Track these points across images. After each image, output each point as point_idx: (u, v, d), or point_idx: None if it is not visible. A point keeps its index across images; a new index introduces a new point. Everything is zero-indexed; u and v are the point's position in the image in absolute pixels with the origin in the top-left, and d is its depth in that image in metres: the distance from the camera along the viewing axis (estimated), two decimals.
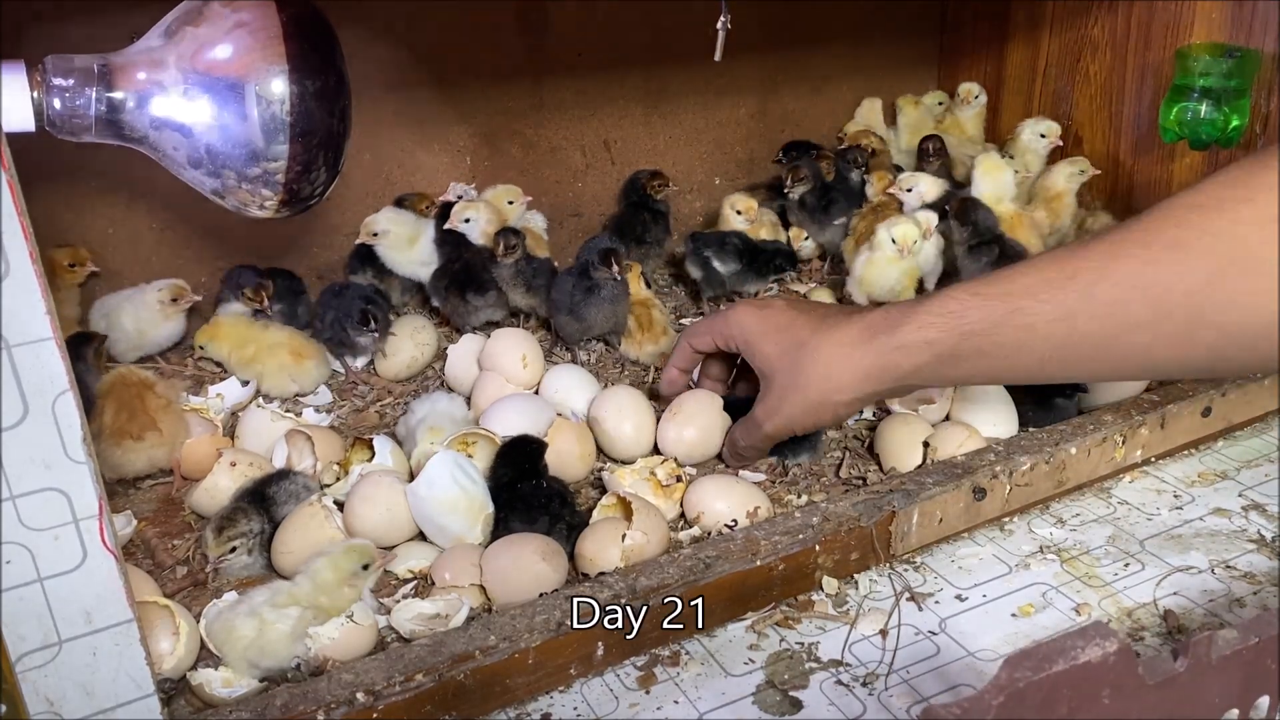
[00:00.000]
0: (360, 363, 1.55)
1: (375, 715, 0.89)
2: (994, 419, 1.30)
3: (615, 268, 1.47)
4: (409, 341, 1.55)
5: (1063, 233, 1.73)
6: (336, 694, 0.88)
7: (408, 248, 1.62)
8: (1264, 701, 0.74)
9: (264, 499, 1.16)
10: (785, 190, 1.78)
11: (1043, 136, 1.79)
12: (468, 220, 1.60)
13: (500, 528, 1.15)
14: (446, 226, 1.62)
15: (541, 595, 1.02)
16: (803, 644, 1.02)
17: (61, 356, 0.76)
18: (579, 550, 1.10)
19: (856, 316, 1.08)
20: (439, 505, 1.15)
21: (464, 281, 1.59)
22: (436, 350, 1.58)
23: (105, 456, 1.24)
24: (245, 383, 1.46)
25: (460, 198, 1.69)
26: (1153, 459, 1.28)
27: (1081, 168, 1.72)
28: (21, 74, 0.84)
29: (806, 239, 1.80)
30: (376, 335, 1.49)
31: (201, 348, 1.48)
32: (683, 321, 1.68)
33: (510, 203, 1.71)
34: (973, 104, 1.97)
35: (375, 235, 1.59)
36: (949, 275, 1.62)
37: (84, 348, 1.32)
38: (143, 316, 1.52)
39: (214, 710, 0.91)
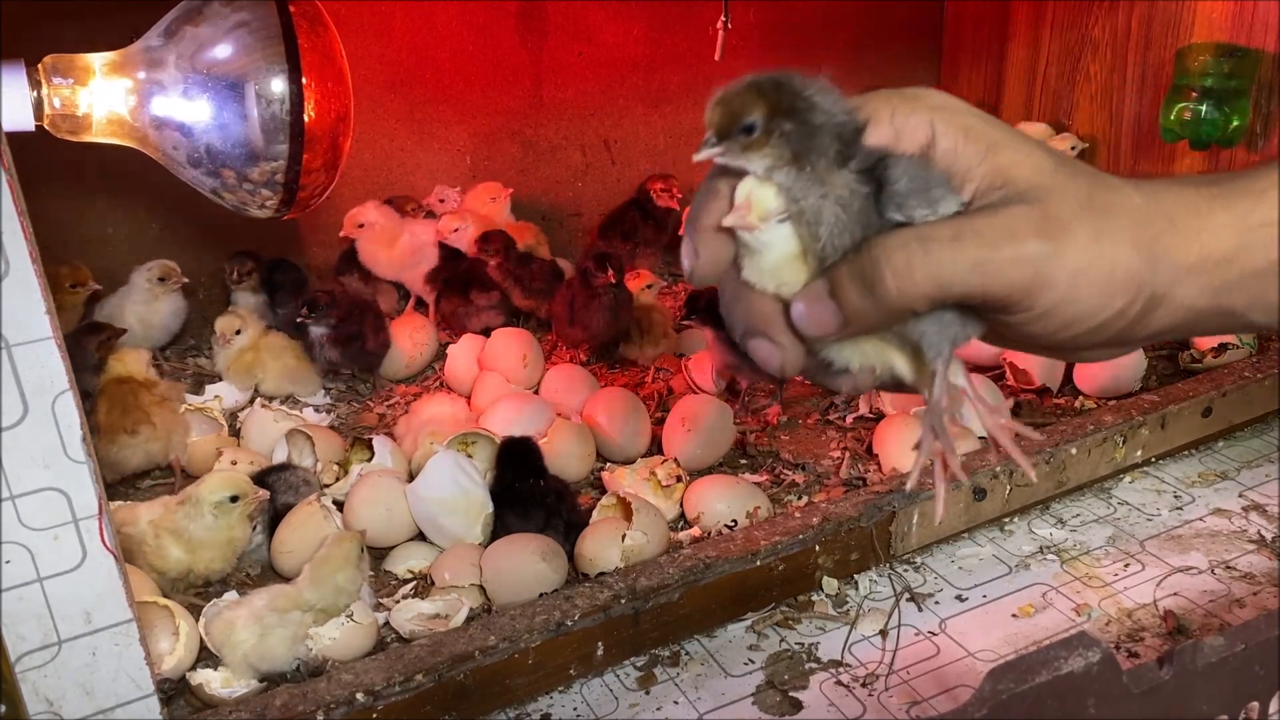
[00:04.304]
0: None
1: (375, 715, 0.89)
2: None
3: (609, 272, 1.48)
4: (408, 342, 1.55)
5: None
6: (336, 694, 0.88)
7: (388, 245, 1.63)
8: (1254, 707, 0.74)
9: (264, 487, 1.16)
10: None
11: None
12: (456, 230, 1.62)
13: (497, 525, 1.15)
14: (439, 241, 1.63)
15: (541, 595, 1.02)
16: (802, 644, 1.02)
17: (61, 356, 0.76)
18: (579, 550, 1.10)
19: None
20: (439, 505, 1.15)
21: (468, 281, 1.60)
22: (436, 350, 1.58)
23: (101, 455, 1.24)
24: (244, 391, 1.47)
25: (443, 200, 1.69)
26: (1153, 459, 1.28)
27: (1072, 144, 1.78)
28: (21, 73, 0.85)
29: None
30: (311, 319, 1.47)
31: (238, 332, 1.47)
32: (684, 323, 1.68)
33: (493, 200, 1.71)
34: None
35: (360, 226, 1.60)
36: None
37: (87, 338, 1.32)
38: (140, 305, 1.52)
39: (213, 710, 0.91)
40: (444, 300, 1.62)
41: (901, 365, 0.65)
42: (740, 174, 0.60)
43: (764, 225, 0.59)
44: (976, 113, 0.63)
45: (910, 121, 0.62)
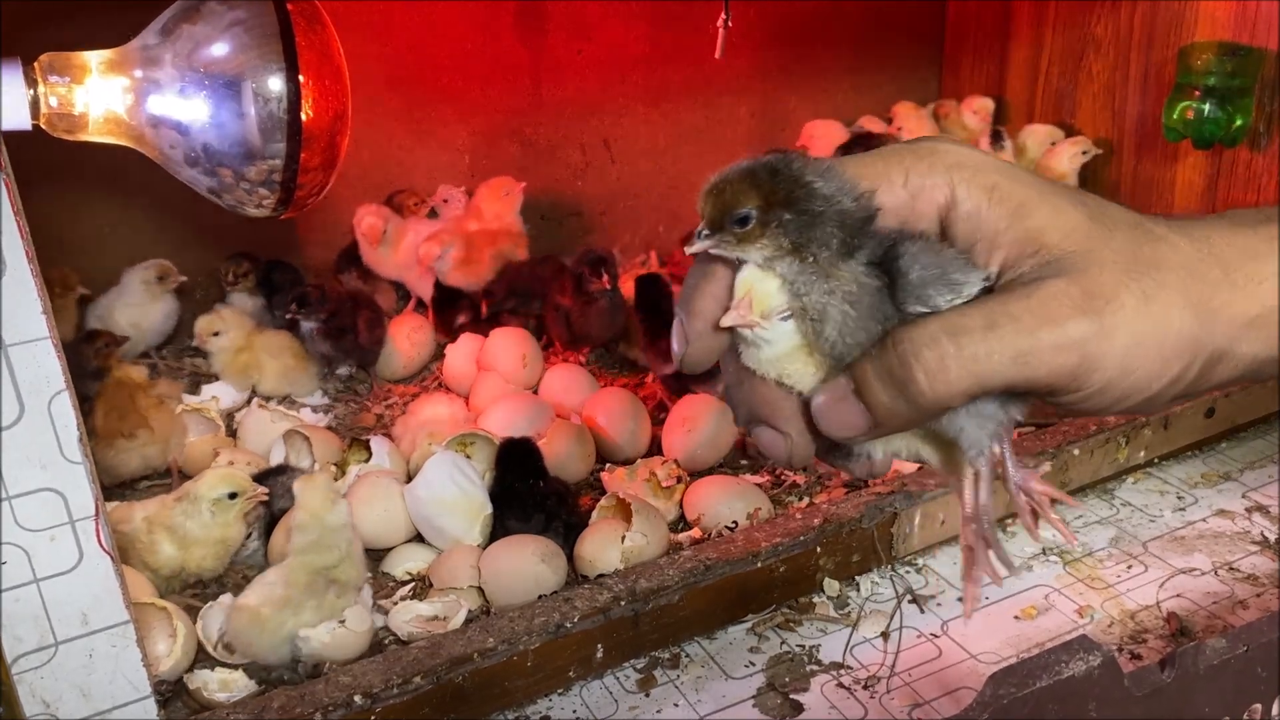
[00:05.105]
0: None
1: (373, 718, 0.88)
2: None
3: (604, 277, 1.47)
4: (406, 342, 1.54)
5: None
6: (334, 696, 0.88)
7: (393, 245, 1.62)
8: (1257, 709, 0.73)
9: None
10: None
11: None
12: (444, 255, 1.59)
13: (496, 526, 1.15)
14: (430, 282, 1.61)
15: (540, 597, 1.02)
16: (804, 646, 1.02)
17: (58, 356, 0.75)
18: (578, 552, 1.09)
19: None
20: (437, 506, 1.14)
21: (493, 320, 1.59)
22: (434, 350, 1.58)
23: (98, 460, 1.23)
24: (242, 391, 1.47)
25: (447, 200, 1.69)
26: (1156, 460, 1.27)
27: (1084, 148, 1.76)
28: (18, 72, 0.84)
29: None
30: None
31: (216, 334, 1.47)
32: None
33: (506, 194, 1.71)
34: (979, 115, 1.96)
35: (364, 232, 1.60)
36: None
37: (85, 346, 1.32)
38: (133, 306, 1.52)
39: (211, 712, 0.91)
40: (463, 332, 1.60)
41: (932, 456, 0.60)
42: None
43: (766, 323, 0.54)
44: (1000, 167, 0.57)
45: (927, 182, 0.56)
